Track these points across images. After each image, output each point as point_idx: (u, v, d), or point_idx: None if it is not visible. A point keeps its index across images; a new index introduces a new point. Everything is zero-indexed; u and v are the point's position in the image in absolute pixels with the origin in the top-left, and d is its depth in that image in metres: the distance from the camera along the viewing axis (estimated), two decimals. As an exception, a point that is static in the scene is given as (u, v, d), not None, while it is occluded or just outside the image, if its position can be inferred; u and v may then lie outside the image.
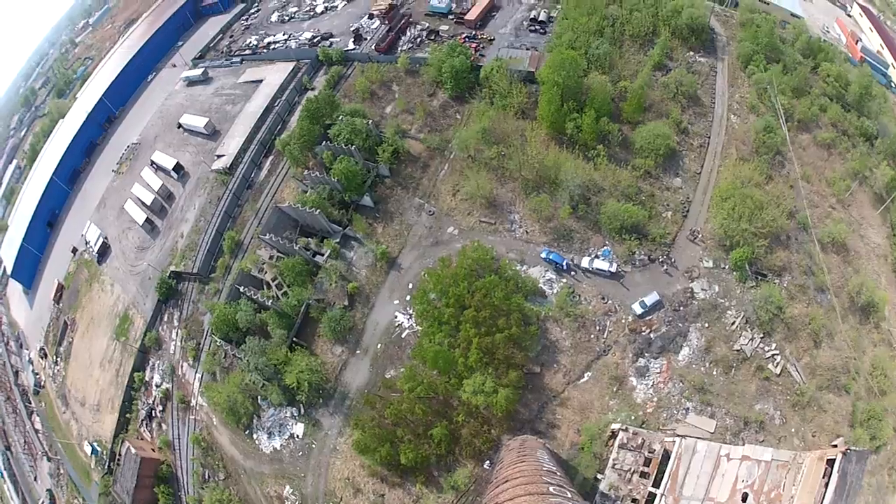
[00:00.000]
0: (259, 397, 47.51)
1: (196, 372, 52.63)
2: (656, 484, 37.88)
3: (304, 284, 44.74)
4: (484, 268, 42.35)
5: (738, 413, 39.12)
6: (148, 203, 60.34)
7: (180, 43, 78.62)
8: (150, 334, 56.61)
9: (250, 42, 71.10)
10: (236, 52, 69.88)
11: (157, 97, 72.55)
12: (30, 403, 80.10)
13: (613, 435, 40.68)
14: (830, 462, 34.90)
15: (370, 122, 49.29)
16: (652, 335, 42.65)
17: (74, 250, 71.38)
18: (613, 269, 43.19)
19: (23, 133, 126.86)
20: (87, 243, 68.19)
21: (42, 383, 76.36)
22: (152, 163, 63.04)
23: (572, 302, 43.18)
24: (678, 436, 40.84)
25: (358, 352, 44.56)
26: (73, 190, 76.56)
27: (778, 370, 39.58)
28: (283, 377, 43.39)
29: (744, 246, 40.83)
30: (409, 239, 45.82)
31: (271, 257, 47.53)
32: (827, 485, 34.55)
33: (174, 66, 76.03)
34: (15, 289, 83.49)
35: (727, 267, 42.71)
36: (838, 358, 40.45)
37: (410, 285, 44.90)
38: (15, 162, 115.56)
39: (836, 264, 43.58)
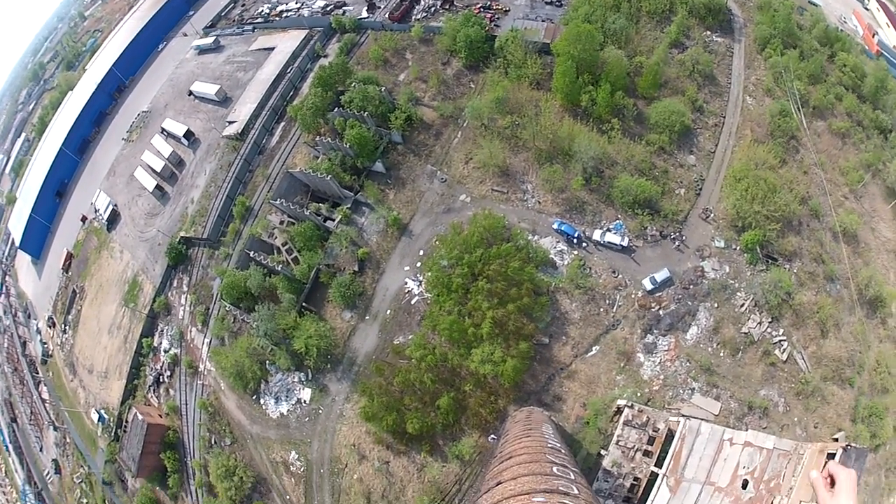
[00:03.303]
0: (267, 362, 49.78)
1: (204, 337, 55.14)
2: (659, 464, 39.30)
3: (315, 250, 46.62)
4: (495, 236, 43.68)
5: (742, 397, 40.24)
6: (158, 170, 62.80)
7: (191, 12, 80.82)
8: (159, 300, 59.24)
9: (262, 10, 73.00)
10: (248, 21, 71.80)
11: (167, 66, 74.92)
12: (37, 373, 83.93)
13: (619, 411, 42.06)
14: (830, 456, 35.91)
15: (383, 89, 50.68)
16: (661, 312, 43.89)
17: (84, 219, 74.49)
18: (625, 244, 44.28)
19: (31, 107, 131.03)
20: (96, 211, 71.14)
21: (50, 352, 79.90)
22: (163, 130, 65.43)
23: (583, 274, 44.51)
24: (683, 416, 42.27)
25: (367, 318, 46.42)
26: (82, 160, 79.62)
27: (784, 356, 40.68)
28: (292, 342, 45.45)
29: (756, 228, 41.79)
30: (421, 206, 47.34)
31: (282, 222, 49.50)
32: None
33: (185, 35, 78.32)
34: (23, 260, 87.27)
35: (738, 248, 43.82)
36: (844, 350, 41.38)
37: (421, 252, 46.50)
38: (24, 135, 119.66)
39: (847, 255, 44.58)
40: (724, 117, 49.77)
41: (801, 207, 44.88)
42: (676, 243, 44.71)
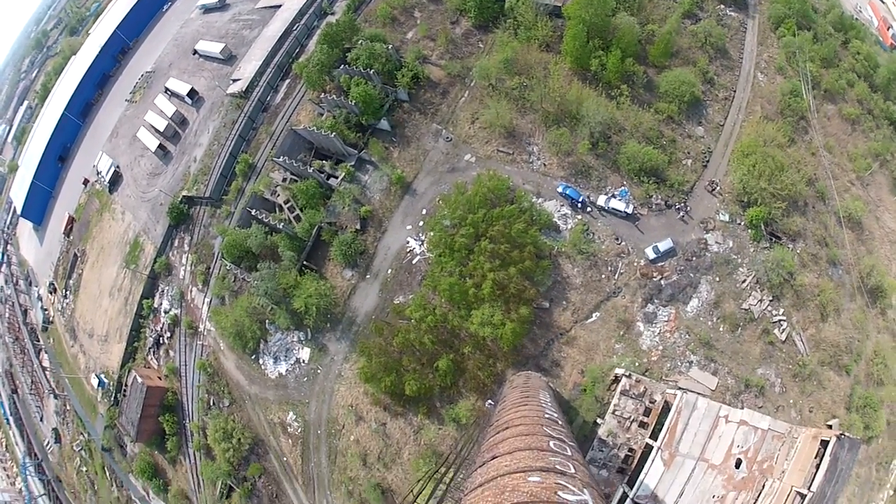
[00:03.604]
0: (266, 321, 49.92)
1: (205, 297, 55.46)
2: (654, 436, 39.52)
3: (317, 207, 46.55)
4: (499, 197, 43.28)
5: (740, 374, 40.76)
6: (161, 129, 62.98)
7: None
8: (160, 260, 59.68)
9: None
10: None
11: (172, 26, 74.67)
12: (38, 341, 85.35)
13: (616, 380, 42.39)
14: (824, 443, 36.24)
15: (390, 46, 50.05)
16: (663, 282, 44.06)
17: (86, 182, 74.97)
18: (629, 211, 44.50)
19: (34, 74, 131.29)
20: (98, 173, 71.48)
21: (50, 319, 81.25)
22: (166, 90, 65.42)
23: (586, 239, 44.79)
24: (680, 389, 42.51)
25: (368, 276, 46.45)
26: (84, 123, 79.92)
27: (783, 337, 41.10)
28: (292, 301, 45.44)
29: (761, 205, 42.22)
30: (425, 164, 47.06)
31: (284, 180, 49.31)
32: (818, 466, 35.94)
33: None
34: (25, 227, 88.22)
35: (742, 224, 43.62)
36: (842, 336, 41.94)
37: (424, 211, 46.34)
38: (26, 103, 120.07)
39: (850, 241, 45.12)
40: (735, 91, 49.41)
41: (808, 189, 45.18)
42: (681, 214, 44.81)
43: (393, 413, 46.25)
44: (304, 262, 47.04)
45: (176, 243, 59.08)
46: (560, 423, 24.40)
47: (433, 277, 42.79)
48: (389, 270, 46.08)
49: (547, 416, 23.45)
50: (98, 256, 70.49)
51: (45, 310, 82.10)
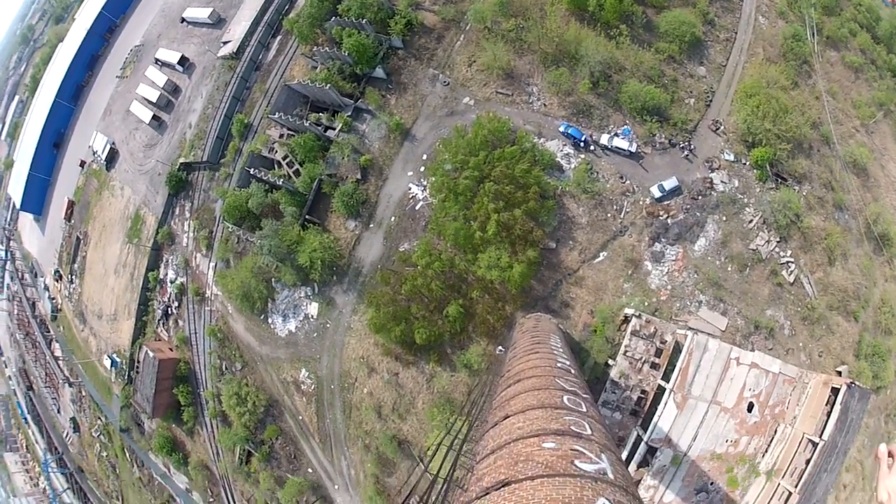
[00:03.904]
0: (273, 280, 50.29)
1: (209, 261, 56.04)
2: (666, 377, 40.01)
3: (316, 161, 46.71)
4: (500, 139, 43.11)
5: (749, 315, 41.23)
6: (154, 100, 63.34)
7: (178, -58, 78.97)
8: (162, 230, 60.20)
9: None
10: None
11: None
12: (48, 332, 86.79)
13: (626, 320, 42.96)
14: (834, 391, 36.67)
15: (382, -7, 49.21)
16: (669, 221, 44.45)
17: (82, 163, 75.59)
18: (633, 149, 44.76)
19: (23, 69, 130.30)
20: (94, 153, 71.92)
21: (59, 306, 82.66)
22: (156, 60, 65.52)
23: (590, 178, 45.25)
24: (690, 329, 43.03)
25: (371, 226, 46.72)
26: (77, 106, 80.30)
27: (791, 279, 41.66)
28: (297, 257, 45.61)
29: (766, 146, 42.41)
30: (423, 110, 47.04)
31: (281, 136, 49.30)
32: (829, 414, 36.45)
33: None
34: (25, 220, 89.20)
35: (748, 164, 43.86)
36: (850, 281, 42.52)
37: (425, 156, 46.50)
38: (17, 97, 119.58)
39: (856, 186, 45.59)
40: (736, 33, 49.55)
41: (812, 132, 45.49)
42: (685, 152, 44.97)
43: (404, 362, 46.92)
44: (307, 217, 47.54)
45: (177, 212, 59.58)
46: (573, 371, 24.45)
47: (437, 222, 43.19)
48: (393, 218, 46.53)
49: (559, 364, 23.33)
50: (101, 236, 71.18)
51: (53, 298, 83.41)
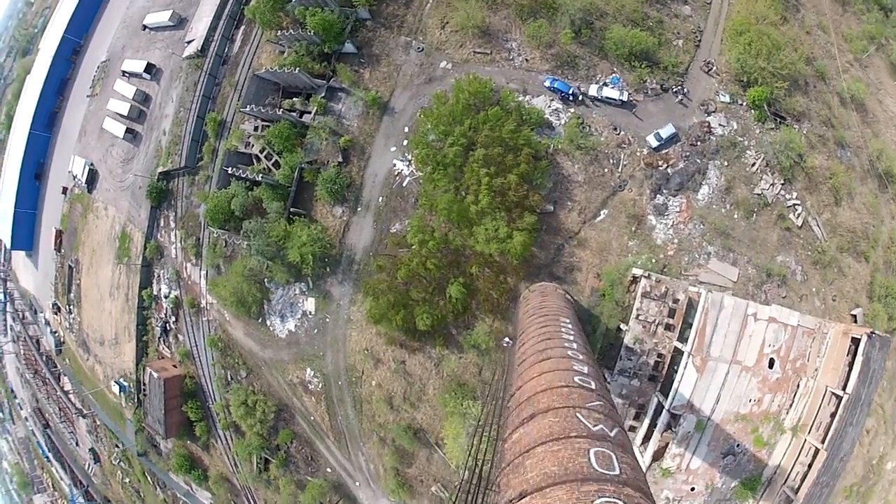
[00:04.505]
0: (265, 280, 48.87)
1: (200, 270, 54.84)
2: (682, 338, 38.49)
3: (294, 149, 45.07)
4: (484, 101, 41.06)
5: (760, 263, 39.92)
6: (125, 113, 62.01)
7: (133, -50, 77.33)
8: (149, 245, 59.16)
9: None
10: None
11: (118, 11, 72.93)
12: (55, 367, 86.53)
13: (635, 280, 40.92)
14: (854, 341, 35.46)
15: (342, -34, 47.09)
16: (669, 170, 42.48)
17: (65, 190, 74.62)
18: (624, 98, 42.88)
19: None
20: (74, 177, 71.04)
21: (62, 339, 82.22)
22: (123, 72, 64.09)
23: (582, 133, 43.11)
24: (701, 283, 41.35)
25: (359, 209, 45.08)
26: (52, 133, 79.24)
27: (799, 222, 40.52)
28: (286, 254, 44.00)
29: (762, 85, 41.06)
30: (400, 80, 45.00)
31: (256, 129, 47.64)
32: (850, 365, 35.38)
33: None
34: (18, 258, 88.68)
35: (744, 104, 42.17)
36: (858, 221, 41.60)
37: (406, 129, 44.48)
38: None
39: (856, 123, 44.24)
40: None
41: (807, 68, 43.87)
42: (679, 97, 43.05)
43: (410, 349, 45.31)
44: (292, 209, 45.75)
45: (162, 224, 58.33)
46: (586, 356, 21.89)
47: (427, 197, 41.26)
48: (380, 199, 44.59)
49: (578, 380, 20.52)
50: (91, 261, 70.33)
51: (55, 332, 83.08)
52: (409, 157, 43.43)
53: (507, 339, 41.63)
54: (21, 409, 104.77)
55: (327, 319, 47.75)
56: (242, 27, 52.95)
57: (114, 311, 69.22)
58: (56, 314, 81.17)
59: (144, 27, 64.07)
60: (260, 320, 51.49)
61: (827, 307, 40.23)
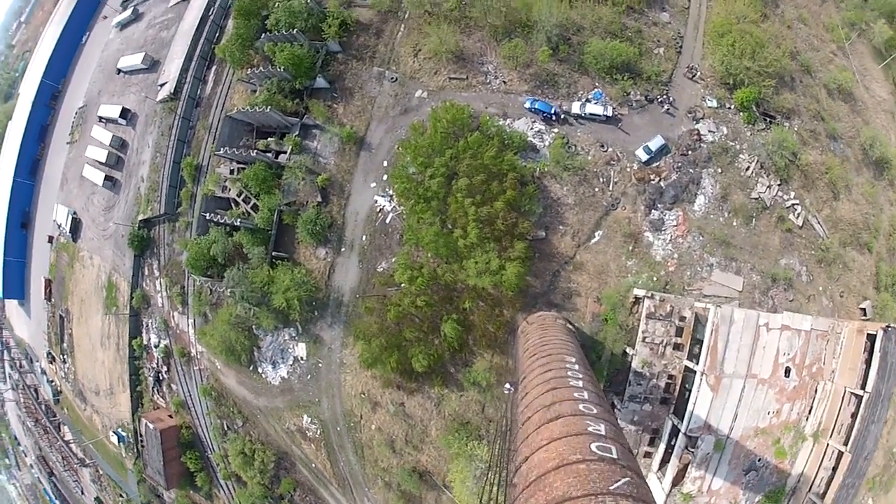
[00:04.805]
0: (253, 327, 47.05)
1: (188, 318, 53.11)
2: (692, 356, 36.86)
3: (272, 191, 43.28)
4: (462, 128, 39.33)
5: (764, 268, 38.93)
6: (103, 160, 60.64)
7: (107, -7, 76.92)
8: (136, 294, 57.65)
9: None
10: None
11: (94, 55, 72.05)
12: (54, 417, 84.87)
13: (637, 301, 39.23)
14: (870, 337, 34.60)
15: (308, 0, 45.74)
16: (662, 183, 41.19)
17: (50, 239, 73.10)
18: (609, 113, 41.40)
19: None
20: (59, 226, 69.35)
21: (59, 389, 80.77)
22: (100, 118, 62.70)
23: (568, 153, 41.37)
24: (705, 297, 39.82)
25: (343, 249, 43.26)
26: (36, 181, 78.18)
27: (800, 222, 39.70)
28: (271, 300, 42.27)
29: (749, 85, 40.33)
30: (375, 112, 43.30)
31: (232, 172, 46.11)
32: (868, 362, 34.62)
33: (105, 17, 74.83)
34: (11, 307, 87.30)
35: (733, 107, 41.35)
36: (858, 212, 40.91)
37: (385, 163, 42.70)
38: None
39: (845, 113, 43.72)
40: None
41: (792, 63, 43.18)
42: (665, 107, 42.01)
43: (408, 391, 43.23)
44: (274, 253, 43.89)
45: (146, 272, 56.75)
46: (590, 390, 19.94)
47: (412, 231, 39.14)
48: (364, 237, 42.58)
49: (577, 395, 18.33)
50: (81, 310, 68.81)
51: (51, 381, 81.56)
52: (390, 191, 41.37)
53: (507, 386, 39.30)
54: (25, 455, 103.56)
55: (320, 364, 45.76)
56: (214, 67, 51.51)
57: (106, 361, 67.59)
58: (51, 363, 79.65)
59: (119, 71, 62.92)
60: (251, 368, 49.60)
61: (835, 305, 39.18)
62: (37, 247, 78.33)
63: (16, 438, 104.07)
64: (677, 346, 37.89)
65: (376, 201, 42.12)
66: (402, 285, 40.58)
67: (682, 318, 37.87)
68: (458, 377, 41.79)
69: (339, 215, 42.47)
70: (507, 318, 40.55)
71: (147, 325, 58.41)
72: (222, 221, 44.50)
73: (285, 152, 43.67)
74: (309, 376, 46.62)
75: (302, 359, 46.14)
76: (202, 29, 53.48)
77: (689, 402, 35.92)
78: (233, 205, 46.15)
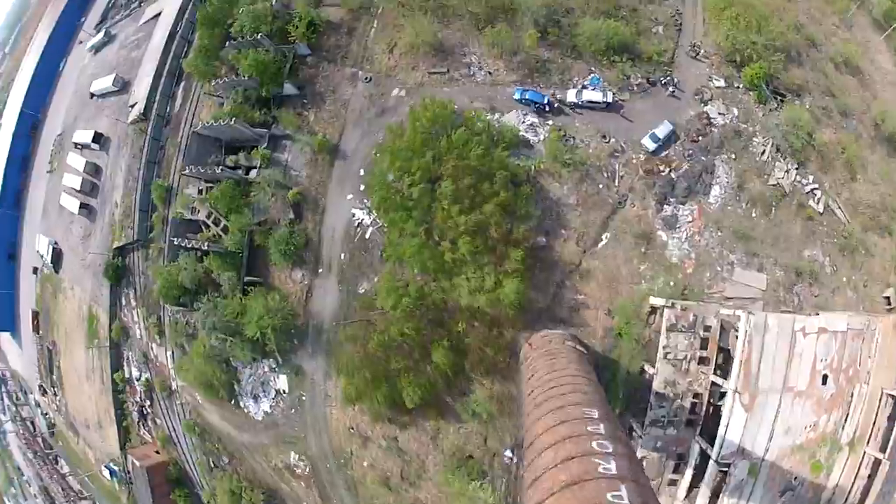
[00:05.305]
0: (231, 359, 42.59)
1: (166, 350, 48.84)
2: (719, 370, 32.73)
3: (241, 210, 38.80)
4: (445, 126, 34.81)
5: (787, 262, 35.69)
6: (78, 188, 57.30)
7: (83, 19, 74.41)
8: (114, 326, 53.75)
9: None
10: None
11: (71, 81, 69.06)
12: (51, 449, 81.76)
13: (654, 310, 34.74)
14: None
15: (273, 2, 41.96)
16: (673, 174, 36.85)
17: (35, 270, 69.99)
18: (609, 100, 36.99)
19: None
20: (41, 257, 66.13)
21: (52, 421, 77.64)
22: (75, 145, 59.47)
23: (567, 147, 36.62)
24: (727, 299, 35.58)
25: (321, 270, 38.68)
26: (20, 212, 75.44)
27: (821, 207, 36.80)
28: (244, 330, 37.89)
29: (757, 61, 37.16)
30: (348, 117, 38.98)
31: (201, 192, 42.15)
32: None
33: (81, 42, 72.13)
34: (4, 339, 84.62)
35: (742, 86, 38.05)
36: (876, 193, 38.35)
37: (362, 171, 38.21)
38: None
39: (854, 87, 41.06)
40: None
41: (797, 36, 40.39)
42: (669, 89, 38.04)
43: (400, 424, 38.16)
44: (247, 279, 39.37)
45: (123, 302, 52.77)
46: (605, 423, 16.21)
47: (393, 246, 34.35)
48: (342, 255, 37.81)
49: (596, 442, 14.56)
50: (66, 343, 65.26)
51: (45, 414, 78.43)
52: (369, 203, 36.94)
53: (507, 454, 35.49)
54: (29, 485, 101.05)
55: (304, 398, 40.89)
56: (182, 83, 47.58)
57: (93, 395, 63.79)
58: (44, 396, 76.60)
59: (92, 95, 60.00)
60: (233, 402, 44.90)
61: (860, 296, 36.16)
62: (24, 278, 75.25)
63: (19, 469, 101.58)
64: (703, 360, 33.24)
65: (354, 214, 37.39)
66: (387, 311, 35.65)
67: (707, 328, 33.20)
68: (456, 408, 36.65)
69: (314, 232, 37.86)
70: (507, 340, 35.43)
71: (128, 358, 54.33)
72: (191, 246, 40.35)
73: (256, 167, 39.59)
74: (293, 410, 41.87)
75: (284, 392, 41.44)
76: (170, 45, 50.00)
77: (719, 424, 31.50)
78: (203, 228, 42.10)
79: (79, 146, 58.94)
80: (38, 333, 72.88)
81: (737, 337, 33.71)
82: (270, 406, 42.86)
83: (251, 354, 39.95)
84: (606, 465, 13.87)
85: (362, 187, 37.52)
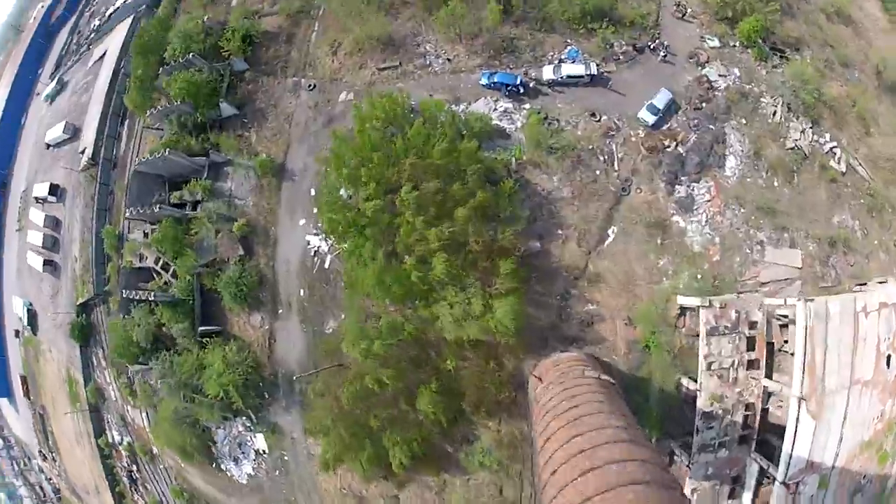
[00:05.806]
0: (201, 419, 37.25)
1: (141, 412, 43.93)
2: (771, 370, 27.78)
3: (185, 251, 33.56)
4: (401, 125, 29.05)
5: (818, 233, 31.96)
6: (40, 244, 53.02)
7: (40, 71, 71.65)
8: (89, 388, 49.05)
9: (94, 25, 61.97)
10: (84, 42, 61.20)
11: (32, 133, 65.70)
12: None
13: (682, 312, 29.27)
14: None
15: (205, 18, 37.33)
16: (680, 149, 31.91)
17: (17, 333, 66.23)
18: (593, 72, 31.90)
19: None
20: (19, 319, 62.44)
21: (57, 487, 73.79)
22: (35, 199, 55.69)
23: (550, 131, 31.14)
24: (763, 284, 30.62)
25: (280, 311, 33.15)
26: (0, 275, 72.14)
27: (843, 167, 33.80)
28: (205, 389, 32.56)
29: (752, 14, 33.88)
30: (293, 132, 33.74)
31: (146, 234, 37.05)
32: None
33: (38, 94, 68.88)
34: (4, 405, 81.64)
35: (738, 45, 34.97)
36: (892, 145, 35.81)
37: (312, 191, 32.75)
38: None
39: (850, 37, 39.18)
40: None
41: None
42: (661, 54, 33.67)
43: (398, 482, 31.96)
44: (202, 329, 34.00)
45: (94, 362, 48.21)
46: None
47: (350, 276, 28.55)
48: (301, 291, 32.11)
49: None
50: (53, 407, 60.95)
51: (49, 479, 74.70)
52: (322, 226, 31.61)
53: None
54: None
55: (286, 457, 34.91)
56: (127, 121, 43.41)
57: (85, 460, 59.33)
58: (45, 461, 73.39)
59: (48, 145, 56.53)
60: (214, 465, 39.28)
61: (892, 257, 33.35)
62: (10, 342, 72.23)
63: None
64: (752, 364, 27.74)
65: (309, 242, 31.67)
66: (359, 359, 29.38)
67: (752, 325, 27.55)
68: (460, 457, 30.38)
69: (267, 268, 32.23)
70: (510, 371, 29.22)
71: (108, 421, 49.68)
72: (140, 298, 35.39)
73: (201, 201, 34.53)
74: (277, 472, 36.06)
75: (264, 452, 35.72)
76: (115, 83, 45.48)
77: (773, 432, 27.58)
78: (154, 275, 37.17)
79: (39, 200, 55.32)
80: (30, 398, 69.15)
81: (781, 326, 27.93)
82: (253, 468, 37.25)
83: (220, 414, 34.43)
84: None
85: (315, 210, 31.89)
